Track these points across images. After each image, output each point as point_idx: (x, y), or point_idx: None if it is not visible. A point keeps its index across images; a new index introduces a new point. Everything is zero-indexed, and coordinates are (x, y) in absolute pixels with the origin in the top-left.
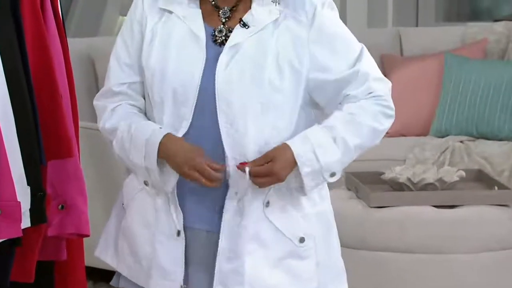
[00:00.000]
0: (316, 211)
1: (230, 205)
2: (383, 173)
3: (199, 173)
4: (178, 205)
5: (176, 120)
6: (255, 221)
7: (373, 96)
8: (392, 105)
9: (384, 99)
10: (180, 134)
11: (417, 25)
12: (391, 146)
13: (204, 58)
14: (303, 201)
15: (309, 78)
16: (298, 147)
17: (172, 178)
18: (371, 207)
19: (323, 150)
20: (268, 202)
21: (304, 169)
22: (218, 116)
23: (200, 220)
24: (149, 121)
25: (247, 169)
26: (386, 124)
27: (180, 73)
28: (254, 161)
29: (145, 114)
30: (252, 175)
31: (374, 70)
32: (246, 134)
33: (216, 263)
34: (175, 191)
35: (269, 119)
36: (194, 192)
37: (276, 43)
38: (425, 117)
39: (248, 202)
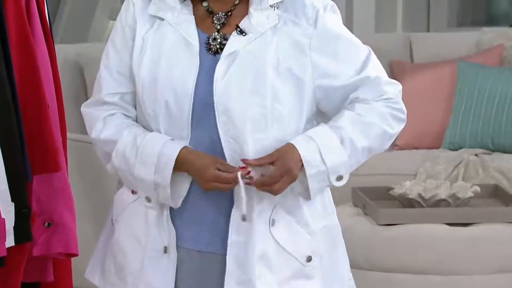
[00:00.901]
0: (321, 226)
1: (235, 224)
2: (392, 189)
3: (217, 181)
4: (170, 221)
5: (173, 133)
6: (262, 241)
7: (384, 99)
8: (404, 108)
9: (395, 101)
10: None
11: (428, 30)
12: (401, 159)
13: (198, 67)
14: (308, 217)
15: (315, 86)
16: (303, 147)
17: (183, 192)
18: (379, 224)
19: (329, 151)
20: (273, 221)
21: (310, 171)
22: (219, 130)
23: (193, 239)
24: (157, 133)
25: (253, 173)
26: (397, 128)
27: (171, 83)
28: (257, 160)
29: None
30: (267, 184)
31: (383, 73)
32: (249, 148)
33: (225, 286)
34: (169, 207)
35: (273, 132)
36: (189, 208)
37: (275, 50)
38: (437, 129)
39: (255, 221)
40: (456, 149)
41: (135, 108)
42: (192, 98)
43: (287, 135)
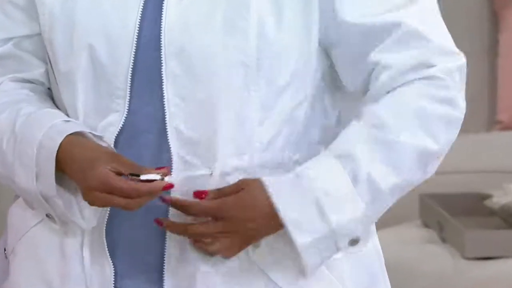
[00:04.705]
0: (348, 254)
1: (173, 248)
2: (489, 196)
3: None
4: (107, 251)
5: (101, 104)
6: (235, 274)
7: (426, 77)
8: (463, 103)
9: (445, 85)
10: (111, 128)
11: None
12: (505, 146)
13: None
14: None
15: (321, 26)
16: (285, 197)
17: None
18: (466, 258)
19: (334, 201)
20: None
21: (300, 238)
22: (164, 87)
23: (141, 276)
24: (48, 109)
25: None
26: (444, 137)
27: (99, 19)
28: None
29: (52, 97)
30: (198, 235)
31: (442, 35)
32: (213, 121)
33: None
34: (104, 228)
35: (260, 95)
36: (127, 229)
37: None
38: None
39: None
40: None
41: (45, 63)
42: (135, 42)
43: (284, 100)
